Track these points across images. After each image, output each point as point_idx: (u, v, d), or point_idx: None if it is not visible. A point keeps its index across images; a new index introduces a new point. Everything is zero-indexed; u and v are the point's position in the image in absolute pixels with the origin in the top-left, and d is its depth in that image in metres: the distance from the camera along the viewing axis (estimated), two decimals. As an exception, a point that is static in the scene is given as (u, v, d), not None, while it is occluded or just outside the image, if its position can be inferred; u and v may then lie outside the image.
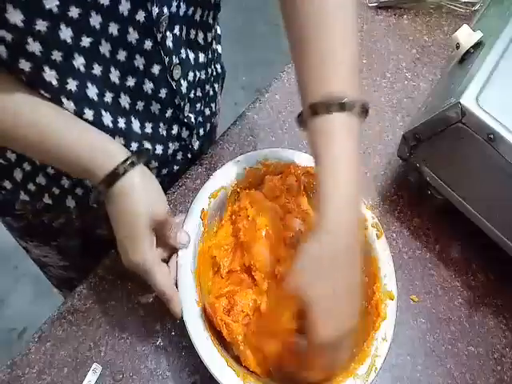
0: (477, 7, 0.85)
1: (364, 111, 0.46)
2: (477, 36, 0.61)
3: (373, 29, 0.87)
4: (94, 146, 0.46)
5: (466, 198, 0.60)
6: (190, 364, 0.54)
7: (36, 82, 0.45)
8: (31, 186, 0.59)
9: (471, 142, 0.54)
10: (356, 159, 0.45)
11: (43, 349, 0.54)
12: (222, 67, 0.74)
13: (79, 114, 0.49)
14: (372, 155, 0.72)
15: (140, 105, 0.55)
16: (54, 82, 0.45)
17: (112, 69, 0.49)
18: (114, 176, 0.45)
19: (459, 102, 0.53)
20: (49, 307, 0.60)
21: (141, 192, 0.46)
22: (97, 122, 0.51)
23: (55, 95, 0.46)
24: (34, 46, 0.41)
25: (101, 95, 0.50)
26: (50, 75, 0.44)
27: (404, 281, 0.62)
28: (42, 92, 0.46)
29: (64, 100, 0.47)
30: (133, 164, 0.46)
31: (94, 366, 0.53)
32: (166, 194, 0.65)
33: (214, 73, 0.70)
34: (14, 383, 0.52)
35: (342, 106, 0.44)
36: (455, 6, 0.88)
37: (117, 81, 0.50)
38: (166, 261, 0.51)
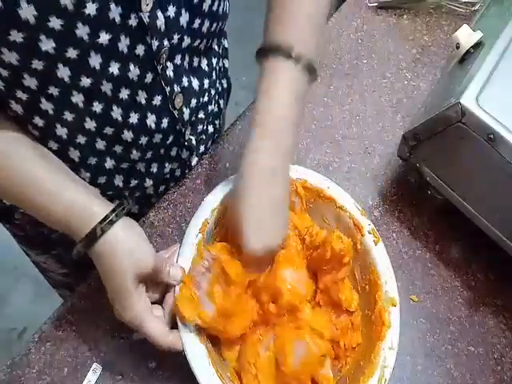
0: (477, 7, 0.85)
1: (311, 69, 0.49)
2: (477, 36, 0.61)
3: (373, 29, 0.87)
4: (73, 206, 0.45)
5: (466, 198, 0.60)
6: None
7: (32, 110, 0.45)
8: None
9: (471, 142, 0.54)
10: (289, 110, 0.49)
11: (43, 349, 0.54)
12: (227, 81, 0.73)
13: (72, 139, 0.49)
14: (372, 155, 0.72)
15: (144, 140, 0.54)
16: (51, 112, 0.45)
17: (114, 107, 0.48)
18: (93, 237, 0.44)
19: (459, 102, 0.53)
20: (49, 307, 0.60)
21: (122, 249, 0.45)
22: (91, 147, 0.51)
23: (50, 122, 0.46)
24: (30, 82, 0.41)
25: (100, 129, 0.49)
26: (47, 105, 0.44)
27: (404, 281, 0.62)
28: (37, 118, 0.45)
29: (58, 126, 0.47)
30: (111, 222, 0.45)
31: (94, 366, 0.53)
32: (166, 193, 0.65)
33: (220, 89, 0.69)
34: (13, 383, 0.52)
35: (288, 56, 0.48)
36: (455, 6, 0.88)
37: (119, 118, 0.49)
38: (160, 299, 0.50)
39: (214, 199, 0.55)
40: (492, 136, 0.52)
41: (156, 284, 0.50)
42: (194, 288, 0.48)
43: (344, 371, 0.52)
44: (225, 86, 0.72)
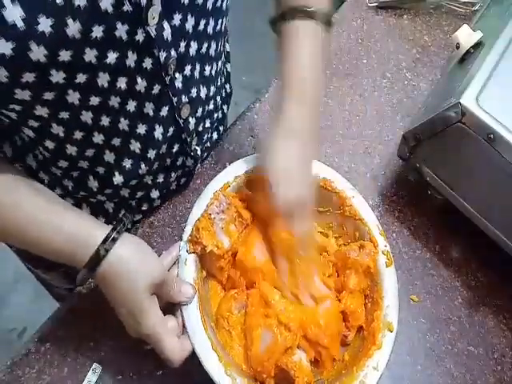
0: (477, 7, 0.85)
1: (328, 22, 0.52)
2: (477, 36, 0.61)
3: (373, 29, 0.87)
4: (74, 234, 0.44)
5: (466, 198, 0.60)
6: (190, 364, 0.54)
7: (43, 134, 0.45)
8: None
9: (471, 142, 0.54)
10: (318, 56, 0.51)
11: (43, 349, 0.54)
12: (230, 85, 0.73)
13: (81, 154, 0.49)
14: (372, 155, 0.72)
15: (152, 153, 0.54)
16: (61, 135, 0.45)
17: (121, 119, 0.48)
18: (97, 259, 0.43)
19: (459, 102, 0.53)
20: (49, 307, 0.60)
21: (130, 264, 0.44)
22: (100, 160, 0.51)
23: (61, 144, 0.47)
24: (42, 111, 0.41)
25: (107, 141, 0.49)
26: (58, 129, 0.44)
27: (404, 281, 0.62)
28: (48, 141, 0.46)
29: (68, 146, 0.47)
30: (114, 239, 0.44)
31: (94, 365, 0.53)
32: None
33: (224, 95, 0.69)
34: (13, 383, 0.52)
35: (307, 14, 0.51)
36: (455, 6, 0.88)
37: (126, 128, 0.49)
38: (168, 309, 0.49)
39: (238, 168, 0.56)
40: (492, 136, 0.52)
41: (166, 300, 0.48)
42: (209, 222, 0.51)
43: (325, 375, 0.52)
44: (228, 90, 0.72)
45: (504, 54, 0.57)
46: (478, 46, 0.61)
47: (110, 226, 0.45)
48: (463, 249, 0.65)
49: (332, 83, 0.79)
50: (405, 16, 0.89)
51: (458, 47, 0.62)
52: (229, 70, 0.71)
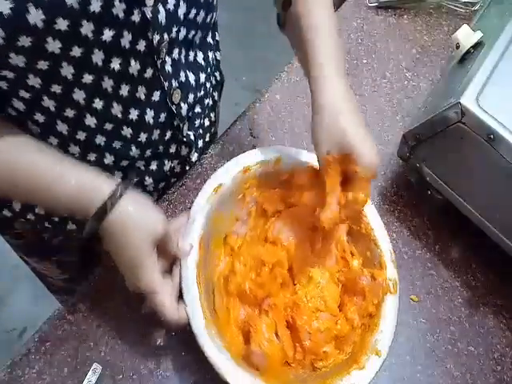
0: (477, 7, 0.85)
1: None
2: (477, 36, 0.61)
3: (373, 29, 0.87)
4: (81, 185, 0.45)
5: (466, 198, 0.60)
6: (190, 364, 0.54)
7: (34, 106, 0.45)
8: (30, 216, 0.60)
9: (471, 142, 0.54)
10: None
11: (43, 349, 0.54)
12: (220, 73, 0.74)
13: (73, 135, 0.49)
14: (372, 155, 0.72)
15: (143, 136, 0.55)
16: (52, 109, 0.46)
17: (114, 104, 0.49)
18: (103, 211, 0.44)
19: (459, 102, 0.53)
20: (49, 307, 0.60)
21: (136, 220, 0.45)
22: (91, 142, 0.51)
23: (51, 119, 0.47)
24: (34, 81, 0.42)
25: (100, 125, 0.50)
26: (49, 102, 0.45)
27: (404, 281, 0.62)
28: (38, 114, 0.46)
29: (59, 122, 0.48)
30: (121, 195, 0.45)
31: (94, 365, 0.53)
32: (166, 193, 0.65)
33: (214, 82, 0.70)
34: (13, 383, 0.52)
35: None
36: (455, 6, 0.88)
37: (119, 114, 0.50)
38: (168, 269, 0.50)
39: (238, 163, 0.58)
40: (492, 136, 0.52)
41: (165, 253, 0.50)
42: None
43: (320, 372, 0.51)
44: (218, 78, 0.73)
45: (504, 54, 0.57)
46: (477, 45, 0.61)
47: (117, 181, 0.46)
48: (463, 249, 0.65)
49: (332, 83, 0.79)
50: (405, 16, 0.89)
51: (458, 47, 0.62)
52: (218, 58, 0.72)
